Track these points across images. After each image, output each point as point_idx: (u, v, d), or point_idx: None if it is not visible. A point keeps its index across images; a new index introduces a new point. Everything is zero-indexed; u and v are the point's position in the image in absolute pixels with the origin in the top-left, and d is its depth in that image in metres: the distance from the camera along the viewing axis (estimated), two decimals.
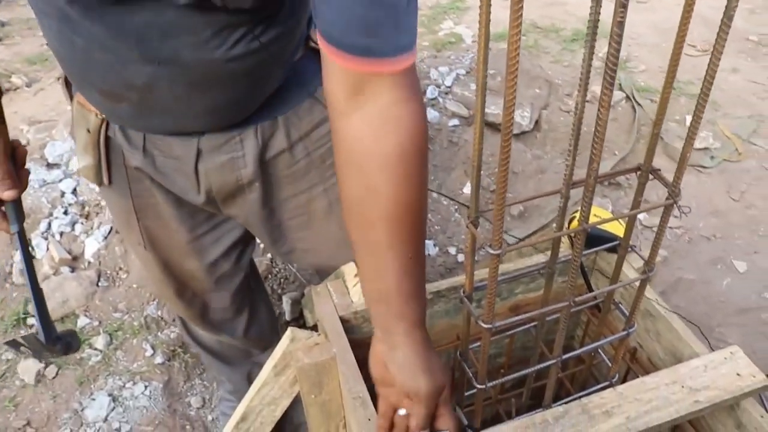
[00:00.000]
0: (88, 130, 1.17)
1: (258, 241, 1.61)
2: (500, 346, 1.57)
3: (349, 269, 1.36)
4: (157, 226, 1.32)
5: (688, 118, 2.95)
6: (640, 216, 2.53)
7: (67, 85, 1.22)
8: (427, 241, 2.33)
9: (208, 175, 1.17)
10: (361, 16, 0.77)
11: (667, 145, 2.78)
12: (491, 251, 0.78)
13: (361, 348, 1.27)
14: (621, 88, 3.11)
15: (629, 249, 1.05)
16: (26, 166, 1.17)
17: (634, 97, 3.03)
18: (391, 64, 0.80)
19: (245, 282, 1.53)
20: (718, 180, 2.74)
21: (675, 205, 0.91)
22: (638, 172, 0.97)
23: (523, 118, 2.70)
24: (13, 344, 1.25)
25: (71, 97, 1.21)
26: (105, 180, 1.20)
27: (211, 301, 1.53)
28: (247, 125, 1.15)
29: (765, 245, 2.49)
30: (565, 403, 1.13)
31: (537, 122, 2.74)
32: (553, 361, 1.04)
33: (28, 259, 1.22)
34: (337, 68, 0.81)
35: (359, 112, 0.83)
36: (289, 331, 1.26)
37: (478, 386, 0.98)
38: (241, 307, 1.59)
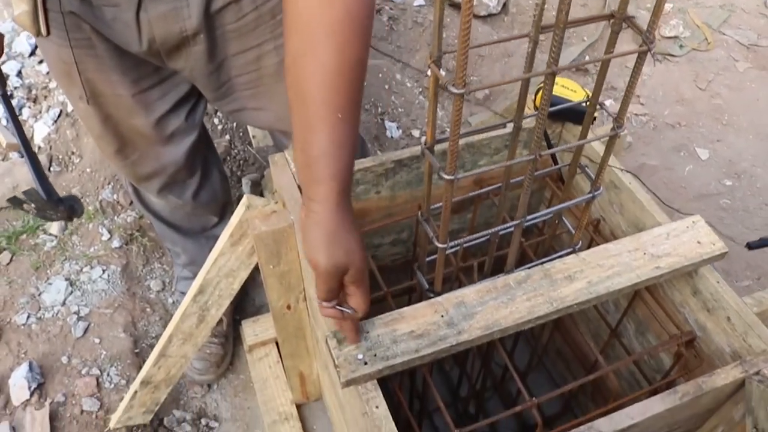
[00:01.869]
0: None
1: None
2: (463, 221, 1.56)
3: None
4: (100, 79, 1.25)
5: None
6: (606, 102, 2.50)
7: None
8: (389, 123, 2.28)
9: (150, 24, 1.10)
10: None
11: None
12: (454, 90, 0.74)
13: None
14: None
15: (598, 107, 1.02)
16: None
17: None
18: None
19: (198, 142, 1.47)
20: (686, 69, 2.71)
21: (650, 53, 0.87)
22: (611, 20, 0.93)
23: (491, 0, 2.60)
24: (15, 201, 1.21)
25: None
26: (42, 29, 1.11)
27: (161, 158, 1.46)
28: None
29: (728, 134, 2.49)
30: (528, 269, 1.13)
31: (505, 5, 2.65)
32: (516, 222, 1.02)
33: (16, 121, 1.18)
34: None
35: None
36: (245, 198, 1.22)
37: (439, 245, 0.96)
38: (193, 168, 1.54)
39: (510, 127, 0.96)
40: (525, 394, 1.09)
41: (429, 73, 0.81)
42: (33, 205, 1.22)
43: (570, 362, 1.76)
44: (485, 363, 1.71)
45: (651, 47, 0.85)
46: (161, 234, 1.80)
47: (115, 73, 1.22)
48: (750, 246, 1.97)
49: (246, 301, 2.02)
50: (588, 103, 1.01)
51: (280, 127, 1.40)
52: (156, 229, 1.82)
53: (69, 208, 1.26)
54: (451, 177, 0.84)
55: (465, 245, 1.17)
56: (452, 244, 0.97)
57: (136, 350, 1.84)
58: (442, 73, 0.77)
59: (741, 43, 2.85)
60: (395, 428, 0.95)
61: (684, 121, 2.51)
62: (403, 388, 1.36)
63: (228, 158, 2.19)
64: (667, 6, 2.91)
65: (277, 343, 1.82)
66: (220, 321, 1.85)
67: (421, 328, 1.01)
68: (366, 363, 0.97)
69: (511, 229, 1.11)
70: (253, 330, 1.85)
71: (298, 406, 1.77)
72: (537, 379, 1.85)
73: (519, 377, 1.15)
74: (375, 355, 0.98)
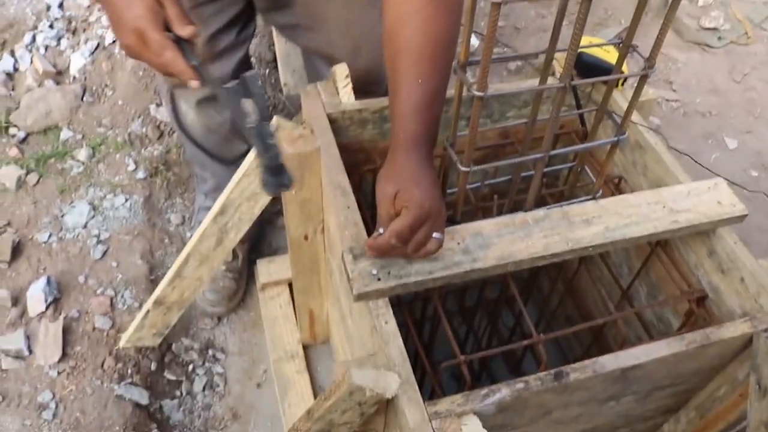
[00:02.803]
0: None
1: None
2: (486, 175, 1.57)
3: (340, 70, 1.33)
4: None
5: None
6: None
7: None
8: None
9: None
10: None
11: (676, 20, 2.71)
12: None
13: (345, 152, 1.26)
14: None
15: (630, 49, 1.02)
16: None
17: None
18: None
19: (244, 59, 1.51)
20: (723, 60, 2.69)
21: None
22: None
23: None
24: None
25: None
26: None
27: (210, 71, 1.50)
28: None
29: (759, 126, 2.47)
30: (547, 209, 1.14)
31: None
32: (540, 156, 1.02)
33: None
34: None
35: None
36: (275, 119, 1.24)
37: (462, 168, 0.97)
38: None
39: (542, 57, 0.97)
40: (533, 331, 1.11)
41: None
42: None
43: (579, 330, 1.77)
44: (493, 321, 1.73)
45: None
46: (192, 156, 1.82)
47: None
48: None
49: (263, 244, 2.04)
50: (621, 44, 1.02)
51: (327, 51, 1.41)
52: (187, 150, 1.84)
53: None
54: (481, 93, 0.85)
55: (487, 184, 1.18)
56: (476, 168, 0.98)
57: (152, 277, 1.87)
58: None
59: None
60: (402, 344, 0.97)
61: (715, 111, 2.50)
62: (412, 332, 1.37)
63: None
64: None
65: (289, 285, 1.84)
66: (236, 256, 1.88)
67: (438, 252, 1.03)
68: (379, 279, 0.99)
69: (532, 172, 1.13)
70: (268, 269, 1.88)
71: (305, 348, 1.79)
72: (544, 347, 1.86)
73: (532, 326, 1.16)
74: (389, 273, 1.00)
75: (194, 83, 0.96)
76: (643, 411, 1.24)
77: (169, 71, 0.97)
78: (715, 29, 2.79)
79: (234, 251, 1.86)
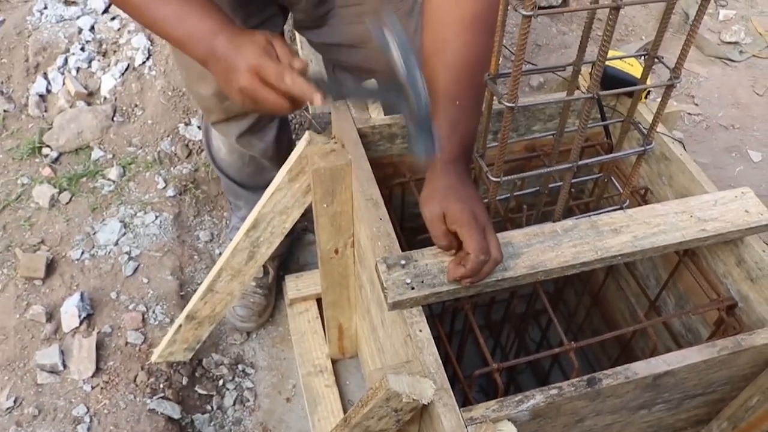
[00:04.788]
0: None
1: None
2: (513, 187, 1.59)
3: (370, 85, 1.36)
4: None
5: (722, 12, 2.89)
6: None
7: None
8: None
9: None
10: None
11: (697, 35, 2.72)
12: (523, 12, 0.77)
13: (375, 167, 1.28)
14: None
15: (654, 61, 1.04)
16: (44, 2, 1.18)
17: None
18: None
19: None
20: (744, 74, 2.69)
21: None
22: None
23: None
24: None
25: None
26: None
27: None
28: None
29: None
30: (575, 219, 1.15)
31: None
32: (568, 166, 1.04)
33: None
34: None
35: None
36: (307, 134, 1.27)
37: (493, 178, 0.99)
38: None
39: (569, 69, 0.99)
40: (564, 339, 1.12)
41: None
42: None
43: (606, 342, 1.77)
44: (519, 335, 1.74)
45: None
46: (226, 188, 1.89)
47: (227, 7, 1.30)
48: None
49: (290, 260, 2.07)
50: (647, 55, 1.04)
51: (367, 66, 1.45)
52: (222, 183, 1.91)
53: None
54: (512, 105, 0.88)
55: (515, 196, 1.20)
56: (506, 179, 1.00)
57: (182, 293, 1.90)
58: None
59: None
60: (437, 351, 0.98)
61: (738, 124, 2.50)
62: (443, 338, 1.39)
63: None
64: (730, 12, 2.90)
65: (317, 300, 1.87)
66: (267, 272, 1.91)
67: None
68: (413, 288, 1.01)
69: (560, 183, 1.14)
70: (296, 285, 1.90)
71: (333, 362, 1.81)
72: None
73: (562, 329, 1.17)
74: (422, 282, 1.02)
75: (318, 100, 0.97)
76: (674, 421, 1.25)
77: (293, 95, 0.98)
78: (736, 43, 2.80)
79: (265, 267, 1.89)
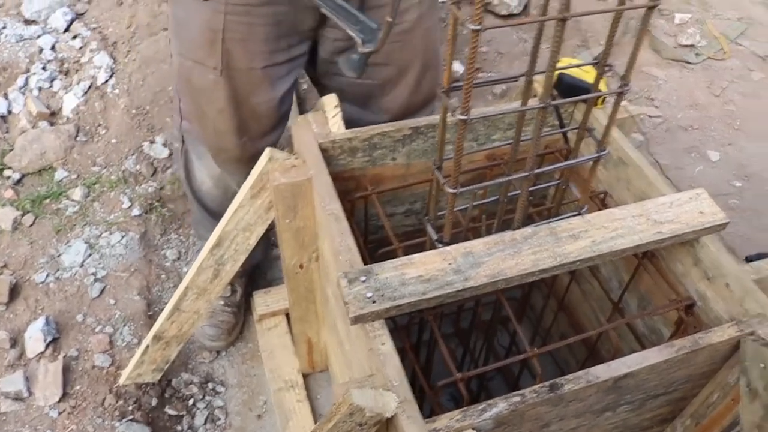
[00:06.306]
0: None
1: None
2: (473, 195, 1.60)
3: (329, 101, 1.37)
4: (238, 50, 1.37)
5: (678, 16, 2.95)
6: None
7: None
8: None
9: None
10: None
11: (654, 39, 2.78)
12: (472, 26, 0.78)
13: (337, 181, 1.29)
14: None
15: (607, 67, 1.06)
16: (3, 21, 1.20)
17: None
18: None
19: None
20: (701, 75, 2.75)
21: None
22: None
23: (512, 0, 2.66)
24: None
25: None
26: None
27: (271, 138, 1.57)
28: None
29: (739, 138, 2.53)
30: (535, 227, 1.17)
31: (526, 6, 2.71)
32: (525, 174, 1.06)
33: None
34: None
35: None
36: (268, 151, 1.27)
37: (450, 190, 1.00)
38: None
39: (522, 80, 1.01)
40: (527, 346, 1.13)
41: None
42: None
43: (573, 345, 1.79)
44: (488, 341, 1.75)
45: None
46: (200, 221, 1.84)
47: (256, 42, 1.34)
48: (748, 259, 2.04)
49: (258, 276, 2.06)
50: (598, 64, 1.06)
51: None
52: (195, 215, 1.87)
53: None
54: (464, 117, 0.89)
55: (476, 205, 1.21)
56: (462, 189, 1.01)
57: (149, 313, 1.89)
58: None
59: (757, 54, 2.89)
60: (400, 364, 0.99)
61: (696, 125, 2.55)
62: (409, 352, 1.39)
63: None
64: (686, 16, 2.96)
65: (286, 315, 1.87)
66: (234, 291, 1.90)
67: (429, 273, 1.05)
68: (374, 301, 1.01)
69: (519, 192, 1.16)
70: (264, 300, 1.90)
71: (304, 377, 1.81)
72: (540, 363, 1.88)
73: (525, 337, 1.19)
74: (383, 295, 1.02)
75: None
76: (639, 421, 1.26)
77: None
78: (692, 46, 2.86)
79: (232, 285, 1.88)
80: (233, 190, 1.66)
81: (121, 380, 1.68)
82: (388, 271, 1.05)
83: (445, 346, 1.15)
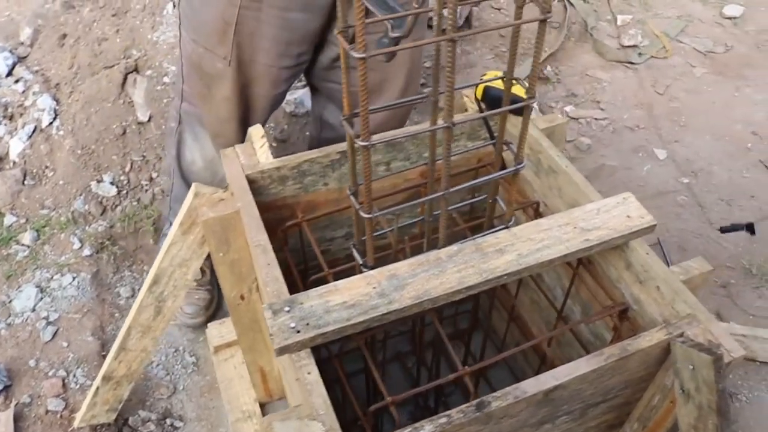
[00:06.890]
0: None
1: None
2: (414, 214, 1.61)
3: (255, 131, 1.37)
4: (249, 44, 1.43)
5: (619, 18, 2.99)
6: (566, 108, 2.57)
7: None
8: None
9: None
10: None
11: (597, 42, 2.81)
12: (357, 55, 0.79)
13: (269, 210, 1.29)
14: None
15: (514, 80, 1.07)
16: None
17: None
18: None
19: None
20: (645, 75, 2.79)
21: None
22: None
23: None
24: None
25: None
26: None
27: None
28: None
29: (685, 135, 2.56)
30: (460, 244, 1.17)
31: (468, 19, 2.73)
32: (441, 194, 1.07)
33: None
34: None
35: None
36: (194, 187, 1.27)
37: (364, 215, 1.01)
38: None
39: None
40: (458, 364, 1.13)
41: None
42: None
43: (527, 354, 1.80)
44: (442, 356, 1.75)
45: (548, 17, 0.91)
46: (178, 198, 1.83)
47: (265, 40, 1.39)
48: (723, 230, 2.07)
49: (221, 303, 2.06)
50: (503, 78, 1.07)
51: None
52: (176, 192, 1.90)
53: None
54: (366, 143, 0.89)
55: (400, 226, 1.22)
56: (378, 213, 1.01)
57: (103, 353, 1.87)
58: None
59: (698, 50, 2.94)
60: (325, 392, 0.99)
61: (642, 124, 2.58)
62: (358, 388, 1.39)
63: None
64: (627, 17, 3.00)
65: None
66: (204, 272, 1.98)
67: (354, 298, 1.05)
68: (298, 331, 1.01)
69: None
70: (219, 332, 1.88)
71: (262, 405, 1.79)
72: (498, 375, 1.88)
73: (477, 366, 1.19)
74: (307, 324, 1.02)
75: None
76: (584, 430, 1.27)
77: None
78: (635, 46, 2.91)
79: (202, 268, 1.95)
80: (221, 175, 1.76)
81: (76, 423, 1.67)
82: (313, 299, 1.05)
83: (401, 364, 1.15)
